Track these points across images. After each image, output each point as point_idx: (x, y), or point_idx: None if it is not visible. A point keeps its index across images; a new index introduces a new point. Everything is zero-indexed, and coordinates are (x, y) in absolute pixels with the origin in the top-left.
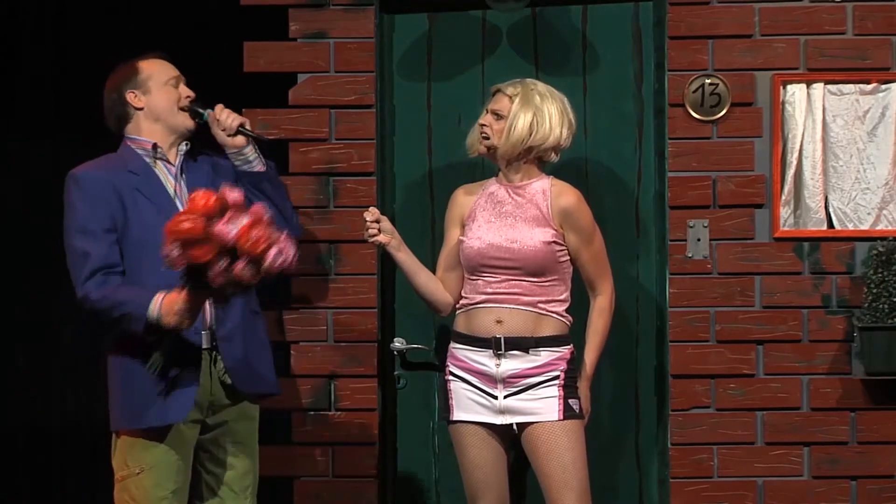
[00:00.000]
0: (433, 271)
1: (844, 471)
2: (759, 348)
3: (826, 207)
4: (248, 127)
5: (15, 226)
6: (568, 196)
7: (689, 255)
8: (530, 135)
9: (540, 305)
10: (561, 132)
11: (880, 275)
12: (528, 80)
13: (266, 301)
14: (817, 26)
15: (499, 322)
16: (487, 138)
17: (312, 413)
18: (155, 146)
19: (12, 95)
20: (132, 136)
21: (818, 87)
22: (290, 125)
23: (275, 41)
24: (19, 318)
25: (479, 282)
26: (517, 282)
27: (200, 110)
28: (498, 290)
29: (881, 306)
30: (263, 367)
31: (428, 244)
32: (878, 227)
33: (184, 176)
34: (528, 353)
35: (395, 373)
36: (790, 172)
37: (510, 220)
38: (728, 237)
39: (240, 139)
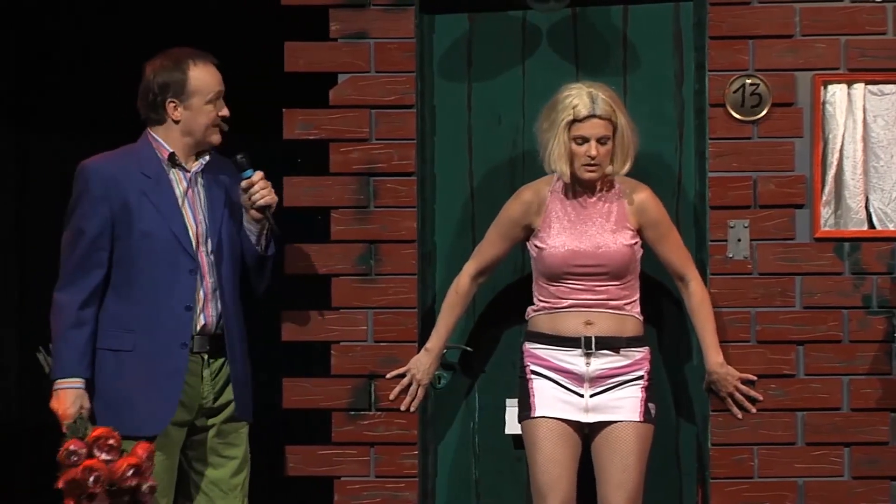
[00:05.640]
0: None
1: (884, 471)
2: (799, 349)
3: (867, 207)
4: (271, 211)
5: (21, 225)
6: (641, 193)
7: (730, 256)
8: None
9: (625, 308)
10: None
11: None
12: (592, 91)
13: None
14: (858, 26)
15: (589, 324)
16: (598, 165)
17: (353, 413)
18: (172, 156)
19: (46, 91)
20: (155, 137)
21: (859, 88)
22: (330, 125)
23: (315, 41)
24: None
25: (563, 287)
26: (603, 287)
27: (248, 167)
28: (585, 297)
29: None
30: (251, 394)
31: (468, 244)
32: None
33: (201, 181)
34: (618, 352)
35: (436, 372)
36: (831, 173)
37: (590, 224)
38: (768, 237)
39: (257, 213)
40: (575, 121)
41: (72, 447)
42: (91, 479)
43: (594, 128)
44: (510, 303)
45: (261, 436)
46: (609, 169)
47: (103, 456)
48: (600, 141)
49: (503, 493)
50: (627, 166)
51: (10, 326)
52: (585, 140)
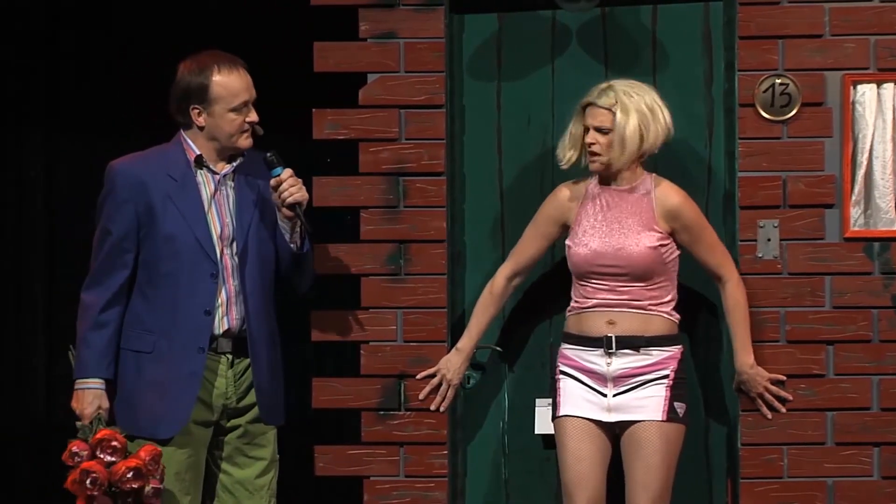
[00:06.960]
0: (499, 263)
1: None
2: (829, 348)
3: None
4: (301, 208)
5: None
6: (673, 197)
7: (760, 256)
8: (642, 141)
9: (650, 307)
10: (665, 123)
11: None
12: (614, 83)
13: (335, 300)
14: (888, 26)
15: (611, 323)
16: (598, 155)
17: (382, 413)
18: (199, 159)
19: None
20: (186, 138)
21: (888, 87)
22: (359, 125)
23: (345, 41)
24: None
25: (588, 287)
26: (626, 288)
27: (278, 165)
28: (608, 297)
29: None
30: (279, 397)
31: (498, 244)
32: None
33: (231, 183)
34: (639, 351)
35: (465, 372)
36: (860, 172)
37: (617, 225)
38: (798, 237)
39: (288, 211)
40: (583, 109)
41: (74, 448)
42: (88, 481)
43: (593, 117)
44: (540, 303)
45: (290, 435)
46: (605, 159)
47: (106, 458)
48: (599, 130)
49: (533, 494)
50: (625, 161)
51: (38, 326)
52: (587, 129)
